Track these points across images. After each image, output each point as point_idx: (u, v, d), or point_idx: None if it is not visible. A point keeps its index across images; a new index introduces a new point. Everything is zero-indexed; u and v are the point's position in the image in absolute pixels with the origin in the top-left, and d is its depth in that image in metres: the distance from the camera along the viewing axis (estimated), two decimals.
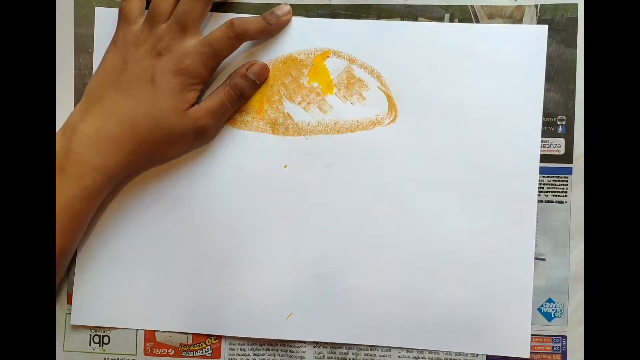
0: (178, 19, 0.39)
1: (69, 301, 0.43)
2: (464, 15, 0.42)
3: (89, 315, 0.43)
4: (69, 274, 0.43)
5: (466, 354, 0.42)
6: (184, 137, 0.40)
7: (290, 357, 0.43)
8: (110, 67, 0.40)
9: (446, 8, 0.42)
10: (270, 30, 0.42)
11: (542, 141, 0.42)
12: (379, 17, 0.43)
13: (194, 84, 0.39)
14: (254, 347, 0.43)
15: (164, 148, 0.40)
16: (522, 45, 0.42)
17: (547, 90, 0.42)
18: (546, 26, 0.42)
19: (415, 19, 0.43)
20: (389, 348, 0.43)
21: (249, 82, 0.41)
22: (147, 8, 0.42)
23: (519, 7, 0.42)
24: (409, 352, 0.43)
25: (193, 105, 0.40)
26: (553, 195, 0.42)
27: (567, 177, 0.42)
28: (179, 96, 0.39)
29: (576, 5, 0.42)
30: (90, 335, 0.44)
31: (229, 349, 0.43)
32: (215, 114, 0.40)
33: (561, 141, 0.42)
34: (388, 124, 0.42)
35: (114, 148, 0.38)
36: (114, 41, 0.41)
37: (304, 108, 0.43)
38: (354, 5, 0.43)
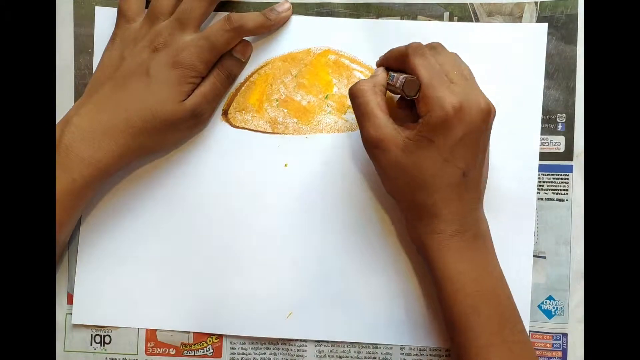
0: (179, 16, 0.40)
1: (69, 301, 0.43)
2: (464, 13, 0.42)
3: (90, 315, 0.43)
4: (69, 274, 0.43)
5: None
6: (181, 125, 0.40)
7: (292, 355, 0.43)
8: (107, 63, 0.40)
9: (445, 6, 0.42)
10: (270, 25, 0.42)
11: (542, 139, 0.42)
12: (378, 16, 0.43)
13: (190, 76, 0.39)
14: (255, 345, 0.43)
15: (160, 138, 0.40)
16: (522, 44, 0.42)
17: (546, 87, 0.42)
18: (546, 24, 0.42)
19: (415, 18, 0.43)
20: (391, 346, 0.43)
21: (235, 61, 0.42)
22: (146, 7, 0.42)
23: (518, 4, 0.42)
24: (411, 349, 0.43)
25: (189, 96, 0.40)
26: (553, 193, 0.42)
27: (568, 175, 0.42)
28: (175, 88, 0.39)
29: (576, 1, 0.42)
30: (92, 335, 0.44)
31: (230, 348, 0.43)
32: (209, 98, 0.41)
33: (561, 139, 0.42)
34: None
35: (107, 140, 0.38)
36: (112, 39, 0.41)
37: (304, 107, 0.43)
38: (354, 4, 0.43)
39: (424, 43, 0.38)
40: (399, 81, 0.36)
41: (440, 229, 0.36)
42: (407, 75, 0.36)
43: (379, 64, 0.40)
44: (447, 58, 0.37)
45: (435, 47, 0.38)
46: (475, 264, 0.37)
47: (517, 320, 0.37)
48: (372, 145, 0.37)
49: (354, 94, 0.37)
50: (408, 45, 0.37)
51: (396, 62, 0.38)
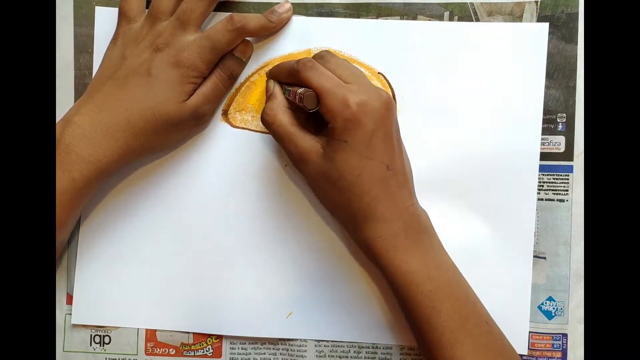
0: (180, 16, 0.40)
1: (69, 301, 0.43)
2: (464, 12, 0.42)
3: (90, 315, 0.43)
4: (69, 274, 0.43)
5: None
6: (182, 125, 0.40)
7: (292, 355, 0.43)
8: (108, 63, 0.40)
9: (445, 6, 0.42)
10: (271, 27, 0.42)
11: (542, 139, 0.42)
12: (378, 16, 0.43)
13: (192, 76, 0.39)
14: (255, 345, 0.43)
15: (161, 138, 0.40)
16: (523, 43, 0.42)
17: (547, 87, 0.42)
18: (547, 24, 0.42)
19: (415, 17, 0.43)
20: (391, 346, 0.43)
21: (236, 61, 0.42)
22: (147, 7, 0.42)
23: (518, 3, 0.42)
24: (411, 349, 0.42)
25: (190, 96, 0.40)
26: (554, 194, 0.42)
27: (568, 175, 0.42)
28: (176, 88, 0.39)
29: None
30: (91, 335, 0.44)
31: (230, 348, 0.43)
32: (211, 99, 0.41)
33: (561, 139, 0.42)
34: None
35: (107, 140, 0.38)
36: (113, 39, 0.41)
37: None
38: (354, 4, 0.43)
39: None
40: (297, 97, 0.37)
41: (383, 230, 0.37)
42: (302, 89, 0.37)
43: (269, 77, 0.41)
44: (337, 64, 0.38)
45: (323, 57, 0.39)
46: (425, 261, 0.37)
47: (479, 311, 0.37)
48: (298, 161, 0.38)
49: (268, 122, 0.39)
50: (297, 61, 0.38)
51: (288, 77, 0.39)
